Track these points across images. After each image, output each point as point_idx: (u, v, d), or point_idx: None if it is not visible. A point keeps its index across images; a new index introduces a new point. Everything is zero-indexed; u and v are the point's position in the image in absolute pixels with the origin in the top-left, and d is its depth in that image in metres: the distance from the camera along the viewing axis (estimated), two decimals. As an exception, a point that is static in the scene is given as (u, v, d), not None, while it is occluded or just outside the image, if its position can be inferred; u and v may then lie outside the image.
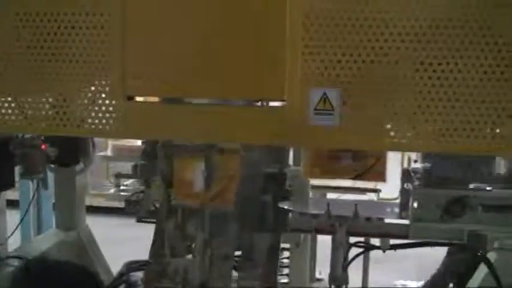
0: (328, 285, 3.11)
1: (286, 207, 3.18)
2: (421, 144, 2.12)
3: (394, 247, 3.05)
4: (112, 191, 4.03)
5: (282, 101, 2.20)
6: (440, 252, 3.31)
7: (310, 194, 3.53)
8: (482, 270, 3.03)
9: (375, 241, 3.19)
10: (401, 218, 3.09)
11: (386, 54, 2.07)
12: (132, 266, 3.73)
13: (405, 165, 3.34)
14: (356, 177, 3.13)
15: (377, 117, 2.11)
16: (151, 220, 3.40)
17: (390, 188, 3.49)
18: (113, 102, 2.35)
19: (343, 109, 2.14)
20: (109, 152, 7.11)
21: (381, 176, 3.16)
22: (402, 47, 2.06)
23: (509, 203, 2.80)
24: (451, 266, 3.43)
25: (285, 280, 3.97)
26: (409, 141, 2.11)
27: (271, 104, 2.31)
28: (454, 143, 2.09)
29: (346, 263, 3.03)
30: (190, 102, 2.33)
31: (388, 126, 2.11)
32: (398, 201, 3.24)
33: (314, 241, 4.35)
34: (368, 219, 3.06)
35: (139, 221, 3.44)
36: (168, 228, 3.19)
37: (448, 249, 3.24)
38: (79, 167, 4.22)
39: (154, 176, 3.33)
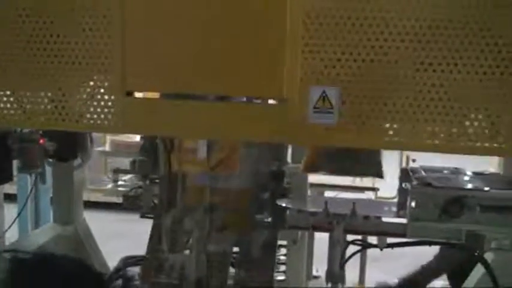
0: (325, 283, 3.12)
1: (284, 204, 3.18)
2: (420, 144, 2.12)
3: (391, 245, 3.06)
4: (110, 186, 4.03)
5: (282, 98, 2.20)
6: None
7: (309, 192, 3.54)
8: (479, 271, 3.04)
9: (372, 239, 3.19)
10: (399, 217, 3.10)
11: (386, 54, 2.07)
12: (129, 261, 3.74)
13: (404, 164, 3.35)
14: (211, 169, 3.12)
15: (376, 116, 2.11)
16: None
17: (388, 187, 3.50)
18: (112, 97, 2.35)
19: (342, 108, 2.14)
20: (107, 147, 7.15)
21: (233, 168, 3.15)
22: (402, 46, 2.06)
23: (507, 203, 2.80)
24: (443, 263, 3.45)
25: (281, 277, 3.97)
26: (408, 141, 2.11)
27: (271, 101, 2.30)
28: (454, 143, 2.09)
29: (343, 261, 3.04)
30: (189, 98, 2.33)
31: (387, 125, 2.11)
32: (396, 200, 3.25)
33: (311, 238, 4.36)
34: (366, 217, 3.07)
35: (142, 216, 3.43)
36: (165, 223, 3.19)
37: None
38: (77, 161, 4.22)
39: (152, 171, 3.34)
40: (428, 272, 3.78)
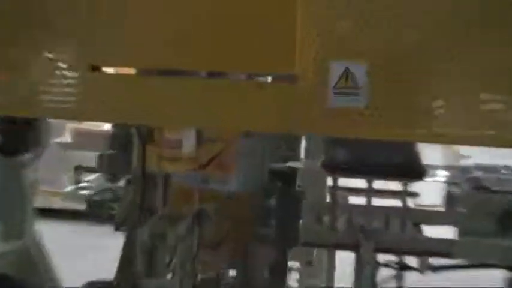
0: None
1: (295, 214, 3.20)
2: (468, 136, 2.15)
3: (436, 269, 3.07)
4: (70, 188, 4.06)
5: (293, 76, 2.21)
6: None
7: (328, 197, 3.56)
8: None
9: (411, 260, 3.21)
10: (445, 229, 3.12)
11: (419, 30, 2.11)
12: (93, 287, 3.78)
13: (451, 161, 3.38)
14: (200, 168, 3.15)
15: (412, 102, 2.15)
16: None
17: (431, 192, 3.53)
18: (74, 73, 2.36)
19: (370, 88, 2.17)
20: (68, 138, 7.18)
21: (229, 168, 3.18)
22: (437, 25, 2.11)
23: None
24: None
25: (292, 308, 4.01)
26: (453, 132, 2.15)
27: (280, 80, 2.32)
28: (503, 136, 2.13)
29: (373, 288, 3.06)
30: (174, 75, 2.34)
31: (426, 112, 2.15)
32: (441, 209, 3.28)
33: (331, 258, 4.39)
34: (402, 231, 3.09)
35: (117, 229, 3.43)
36: (141, 238, 3.20)
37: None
38: (27, 156, 4.25)
39: (125, 169, 3.34)
40: None
